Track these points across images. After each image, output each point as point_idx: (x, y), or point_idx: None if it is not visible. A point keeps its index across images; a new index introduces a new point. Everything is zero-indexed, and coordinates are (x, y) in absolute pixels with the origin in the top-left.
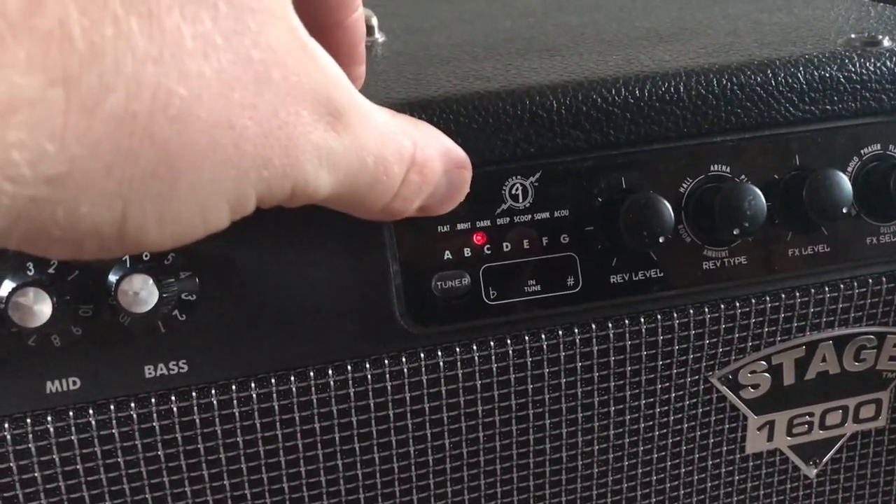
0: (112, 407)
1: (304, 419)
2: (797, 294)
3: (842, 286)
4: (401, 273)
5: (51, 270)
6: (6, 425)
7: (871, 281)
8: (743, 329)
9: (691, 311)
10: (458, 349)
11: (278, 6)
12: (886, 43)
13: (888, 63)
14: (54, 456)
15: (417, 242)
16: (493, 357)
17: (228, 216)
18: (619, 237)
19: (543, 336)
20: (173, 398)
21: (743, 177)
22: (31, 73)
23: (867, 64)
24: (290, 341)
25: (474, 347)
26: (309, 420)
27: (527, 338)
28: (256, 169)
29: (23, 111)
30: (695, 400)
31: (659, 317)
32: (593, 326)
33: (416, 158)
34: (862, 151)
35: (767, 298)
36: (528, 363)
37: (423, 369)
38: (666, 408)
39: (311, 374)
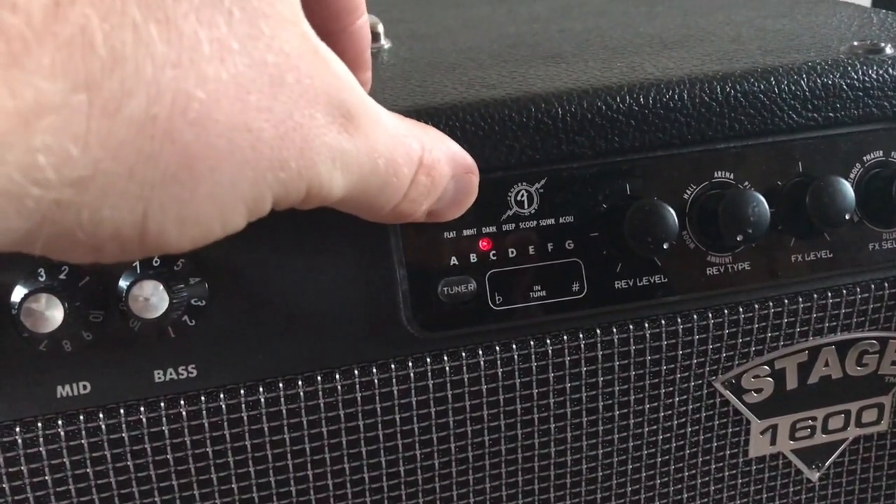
0: (122, 411)
1: (312, 423)
2: (800, 299)
3: (844, 292)
4: (407, 278)
5: (62, 276)
6: (17, 429)
7: (873, 286)
8: (746, 334)
9: (695, 317)
10: (463, 354)
11: (290, 11)
12: (889, 50)
13: (891, 70)
14: (64, 460)
15: (424, 248)
16: (499, 362)
17: (245, 217)
18: (624, 243)
19: (549, 341)
20: (182, 402)
21: (746, 183)
22: (55, 79)
23: (870, 71)
24: (297, 346)
25: (480, 352)
26: (316, 424)
27: (532, 343)
28: (273, 170)
29: (48, 116)
30: (698, 404)
31: (663, 322)
32: (598, 332)
33: (424, 161)
34: (864, 158)
35: (770, 304)
36: (534, 368)
37: (430, 374)
38: (670, 412)
39: (319, 378)
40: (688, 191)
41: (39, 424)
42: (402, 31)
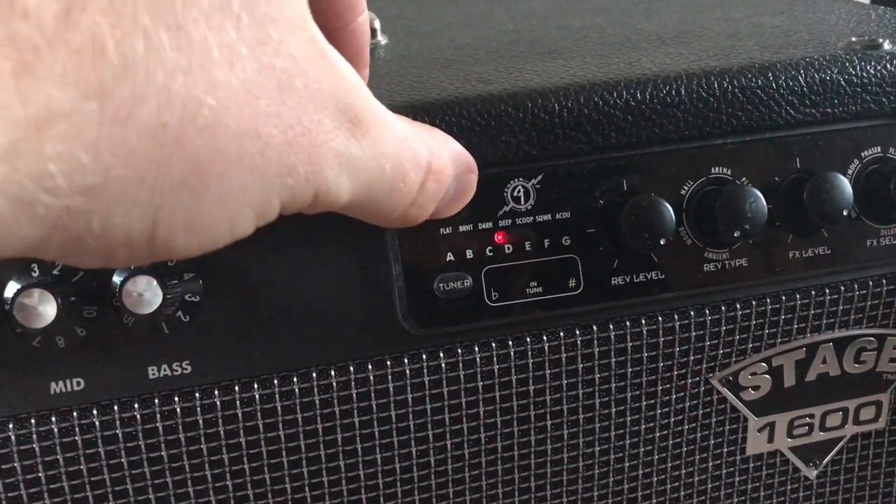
0: (116, 408)
1: (307, 420)
2: (797, 296)
3: (842, 288)
4: (403, 275)
5: (55, 272)
6: (10, 426)
7: (871, 283)
8: (743, 331)
9: (692, 313)
10: (460, 350)
11: (297, 16)
12: (887, 46)
13: (888, 66)
14: (58, 456)
15: (419, 244)
16: (495, 358)
17: (254, 223)
18: (621, 239)
19: (545, 337)
20: (177, 399)
21: (744, 179)
22: (66, 87)
23: (868, 67)
24: (292, 342)
25: (476, 349)
26: (312, 421)
27: (528, 339)
28: (281, 176)
29: (59, 124)
30: (695, 401)
31: (660, 318)
32: (594, 328)
33: (432, 166)
34: (862, 154)
35: (768, 300)
36: (530, 364)
37: (426, 370)
38: (667, 409)
39: (314, 375)
40: (685, 187)
41: (33, 421)
42: (400, 28)
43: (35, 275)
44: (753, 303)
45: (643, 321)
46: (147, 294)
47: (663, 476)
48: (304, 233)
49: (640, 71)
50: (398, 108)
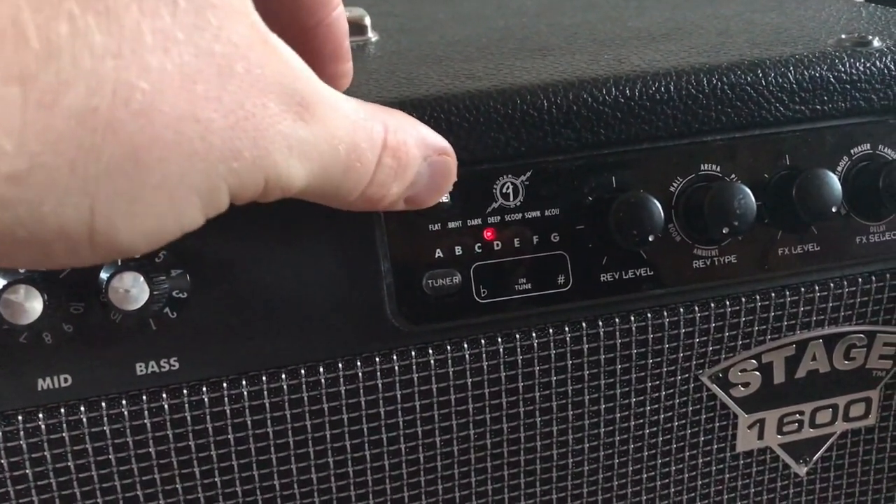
0: (103, 404)
1: (296, 417)
2: (787, 293)
3: (832, 285)
4: (392, 271)
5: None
6: None
7: (860, 280)
8: (733, 328)
9: (681, 310)
10: (449, 347)
11: (239, 2)
12: (876, 43)
13: (878, 63)
14: (45, 453)
15: (408, 241)
16: (484, 355)
17: (202, 211)
18: (610, 236)
19: (534, 334)
20: (164, 396)
21: (733, 176)
22: None
23: (857, 64)
24: (281, 339)
25: (465, 345)
26: (300, 418)
27: (517, 336)
28: (225, 161)
29: None
30: (685, 398)
31: (649, 315)
32: (584, 325)
33: (388, 142)
34: (852, 151)
35: (757, 297)
36: (519, 361)
37: (415, 367)
38: (656, 406)
39: (302, 371)
40: (674, 183)
41: (20, 417)
42: (391, 25)
43: (21, 270)
44: (743, 299)
45: (632, 318)
46: (134, 290)
47: (653, 473)
48: (293, 229)
49: (629, 68)
50: (387, 104)
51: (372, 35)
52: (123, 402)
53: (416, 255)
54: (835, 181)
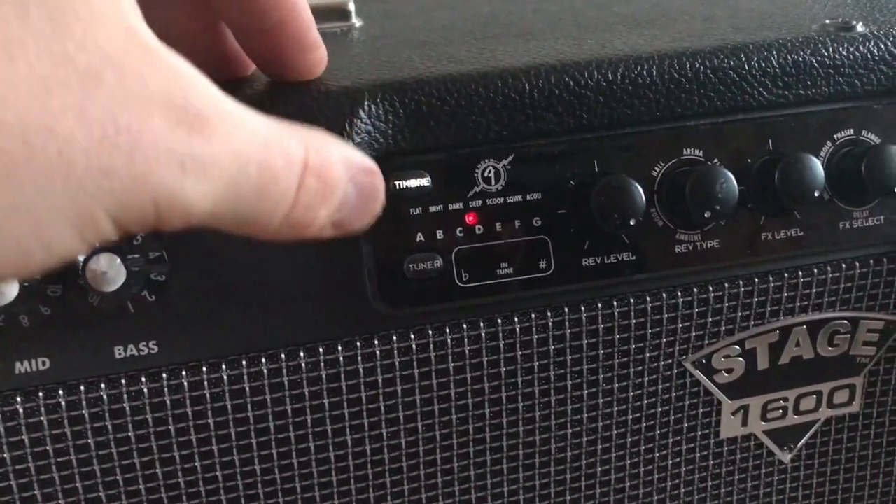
0: (82, 388)
1: (276, 401)
2: (770, 278)
3: (815, 271)
4: (373, 255)
5: None
6: None
7: (844, 266)
8: (716, 313)
9: (664, 295)
10: (430, 332)
11: (109, 7)
12: (860, 28)
13: (861, 48)
14: (23, 437)
15: (389, 225)
16: (466, 340)
17: (77, 238)
18: (592, 220)
19: (516, 319)
20: (143, 379)
21: (716, 160)
22: None
23: (840, 49)
24: (261, 323)
25: (447, 330)
26: (280, 402)
27: (499, 321)
28: (94, 179)
29: None
30: (668, 384)
31: (631, 300)
32: (566, 310)
33: (310, 161)
34: (835, 136)
35: (741, 283)
36: (501, 346)
37: (396, 352)
38: (639, 392)
39: (283, 356)
40: (657, 168)
41: None
42: (375, 11)
43: None
44: (726, 285)
45: (615, 303)
46: (111, 272)
47: (636, 459)
48: None
49: (612, 52)
50: (369, 88)
51: (356, 21)
52: (102, 385)
53: (397, 239)
54: (818, 165)
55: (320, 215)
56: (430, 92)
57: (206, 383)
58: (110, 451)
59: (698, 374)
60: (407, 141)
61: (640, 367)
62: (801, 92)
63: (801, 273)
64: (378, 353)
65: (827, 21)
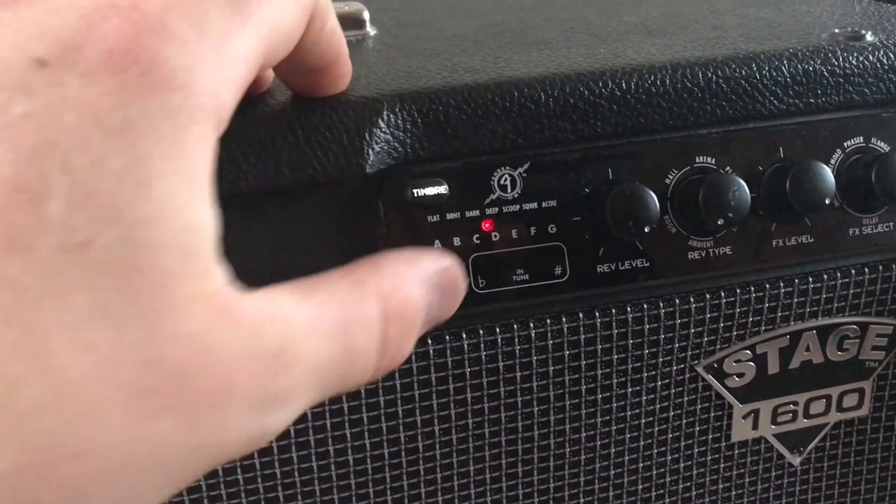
0: None
1: None
2: (781, 284)
3: (825, 277)
4: None
5: None
6: None
7: (853, 272)
8: (728, 319)
9: (677, 301)
10: (447, 337)
11: (193, 278)
12: (869, 37)
13: (871, 57)
14: None
15: (408, 232)
16: (482, 345)
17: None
18: (606, 227)
19: (532, 324)
20: None
21: (728, 168)
22: None
23: (850, 58)
24: None
25: (464, 335)
26: None
27: (515, 326)
28: (184, 469)
29: None
30: (680, 388)
31: (645, 306)
32: (580, 315)
33: (389, 313)
34: (845, 144)
35: (752, 288)
36: (517, 351)
37: (414, 357)
38: (652, 396)
39: None
40: (669, 175)
41: None
42: (389, 20)
43: None
44: (737, 290)
45: (628, 308)
46: None
47: (649, 462)
48: (294, 221)
49: (625, 61)
50: (387, 98)
51: (370, 29)
52: None
53: (415, 245)
54: (828, 173)
55: (407, 349)
56: (448, 102)
57: None
58: None
59: (710, 379)
60: (425, 150)
61: (653, 372)
62: (812, 101)
63: (811, 279)
64: None
65: (836, 30)
